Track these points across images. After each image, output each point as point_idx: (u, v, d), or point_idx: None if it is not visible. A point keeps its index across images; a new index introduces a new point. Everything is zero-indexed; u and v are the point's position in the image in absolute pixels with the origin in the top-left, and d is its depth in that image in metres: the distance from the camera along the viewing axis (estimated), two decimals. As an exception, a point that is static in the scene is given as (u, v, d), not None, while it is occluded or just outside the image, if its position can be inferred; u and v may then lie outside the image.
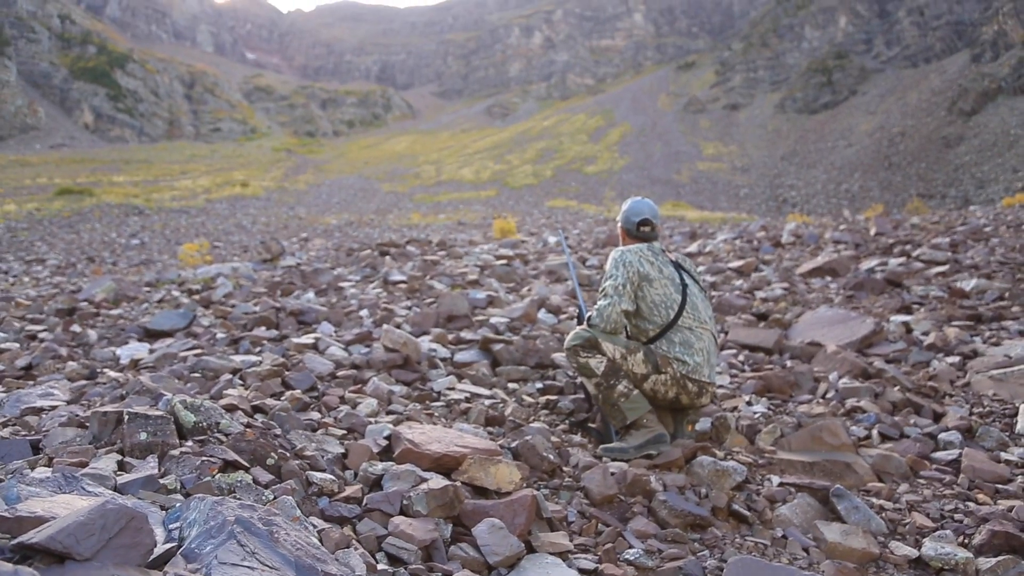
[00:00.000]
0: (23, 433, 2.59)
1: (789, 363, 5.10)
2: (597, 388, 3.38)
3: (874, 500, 2.97)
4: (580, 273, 7.77)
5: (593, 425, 3.69)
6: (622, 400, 3.32)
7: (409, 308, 6.06)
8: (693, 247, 10.87)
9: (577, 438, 3.48)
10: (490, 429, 3.29)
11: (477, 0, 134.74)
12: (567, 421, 3.74)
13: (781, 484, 3.08)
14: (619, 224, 3.89)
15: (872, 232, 10.31)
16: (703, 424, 3.74)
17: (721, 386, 4.57)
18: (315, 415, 3.01)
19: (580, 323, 3.85)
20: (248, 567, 1.34)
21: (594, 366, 3.36)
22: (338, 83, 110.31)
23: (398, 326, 5.19)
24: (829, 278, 7.74)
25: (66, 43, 77.87)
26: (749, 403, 4.27)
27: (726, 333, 5.77)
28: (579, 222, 21.68)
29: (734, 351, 5.40)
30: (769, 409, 4.17)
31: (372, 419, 3.09)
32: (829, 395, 4.34)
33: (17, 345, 5.26)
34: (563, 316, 5.87)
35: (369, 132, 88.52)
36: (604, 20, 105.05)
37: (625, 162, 50.94)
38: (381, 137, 79.91)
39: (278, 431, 2.63)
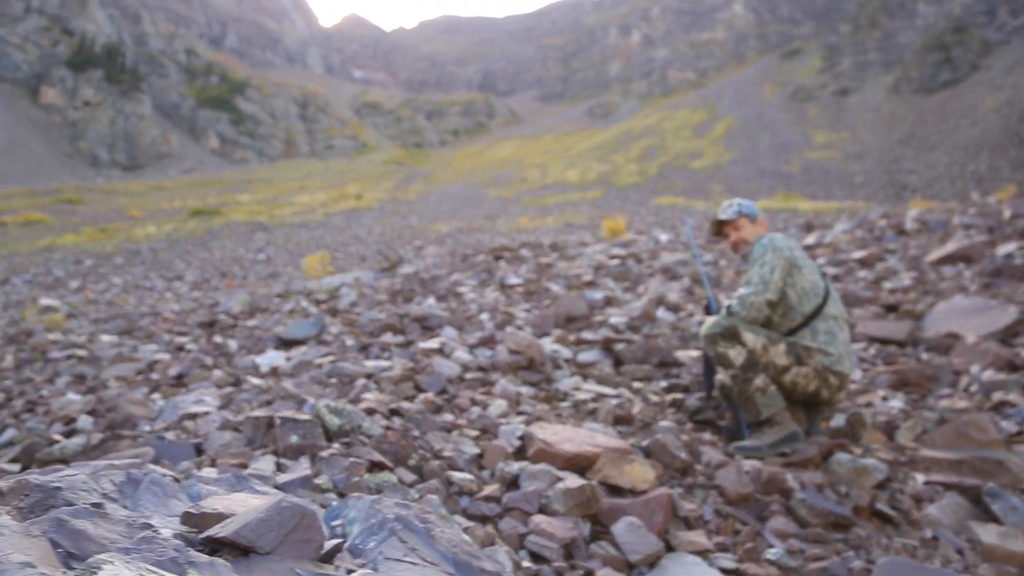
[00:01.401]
0: (184, 436, 2.76)
1: (925, 356, 4.84)
2: (733, 380, 3.30)
3: (1034, 499, 2.78)
4: (698, 269, 7.63)
5: (723, 423, 3.61)
6: (758, 395, 3.24)
7: (528, 311, 6.11)
8: (810, 239, 10.48)
9: (707, 436, 3.42)
10: (619, 428, 3.28)
11: (573, 3, 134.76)
12: (695, 419, 3.68)
13: (927, 482, 2.93)
14: (746, 215, 3.71)
15: (1007, 215, 9.64)
16: (837, 420, 3.60)
17: (853, 381, 4.38)
18: (448, 417, 3.07)
19: (709, 313, 3.77)
20: (411, 563, 1.39)
21: (733, 357, 3.28)
22: (442, 94, 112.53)
23: (519, 328, 5.25)
24: (962, 265, 7.30)
25: (191, 75, 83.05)
26: (885, 398, 4.08)
27: (853, 326, 5.54)
28: (688, 218, 21.33)
29: (863, 344, 5.17)
30: (907, 404, 3.97)
31: (503, 420, 3.14)
32: (972, 388, 4.09)
33: (168, 356, 5.63)
34: (682, 314, 5.78)
35: (474, 140, 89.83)
36: (703, 13, 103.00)
37: (731, 156, 49.67)
38: (486, 144, 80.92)
39: (416, 433, 2.70)
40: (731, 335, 3.30)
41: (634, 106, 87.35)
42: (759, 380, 3.24)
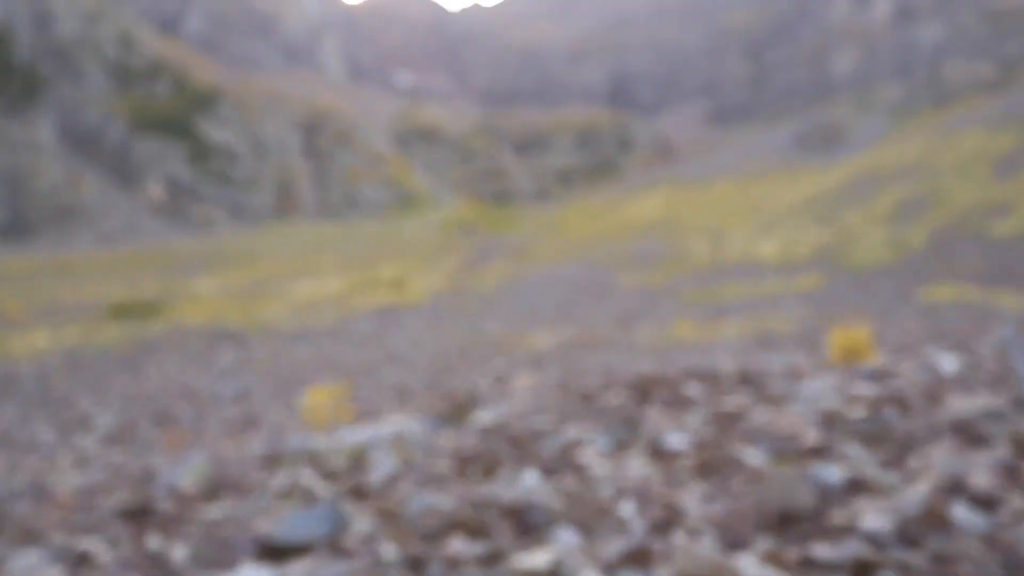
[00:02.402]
0: None
1: None
2: None
3: None
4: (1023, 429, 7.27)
5: None
6: None
7: (705, 499, 5.91)
8: None
9: None
10: None
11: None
12: None
13: None
14: None
15: None
16: None
17: None
18: None
19: None
20: None
21: None
22: (542, 112, 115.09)
23: (693, 533, 5.05)
24: None
25: (126, 79, 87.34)
26: None
27: None
28: (987, 324, 20.71)
29: None
30: None
31: None
32: None
33: (62, 574, 5.60)
34: (1003, 512, 5.46)
35: (595, 188, 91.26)
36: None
37: (1068, 212, 48.78)
38: (616, 196, 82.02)
39: None
40: None
41: (879, 126, 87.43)
42: None
